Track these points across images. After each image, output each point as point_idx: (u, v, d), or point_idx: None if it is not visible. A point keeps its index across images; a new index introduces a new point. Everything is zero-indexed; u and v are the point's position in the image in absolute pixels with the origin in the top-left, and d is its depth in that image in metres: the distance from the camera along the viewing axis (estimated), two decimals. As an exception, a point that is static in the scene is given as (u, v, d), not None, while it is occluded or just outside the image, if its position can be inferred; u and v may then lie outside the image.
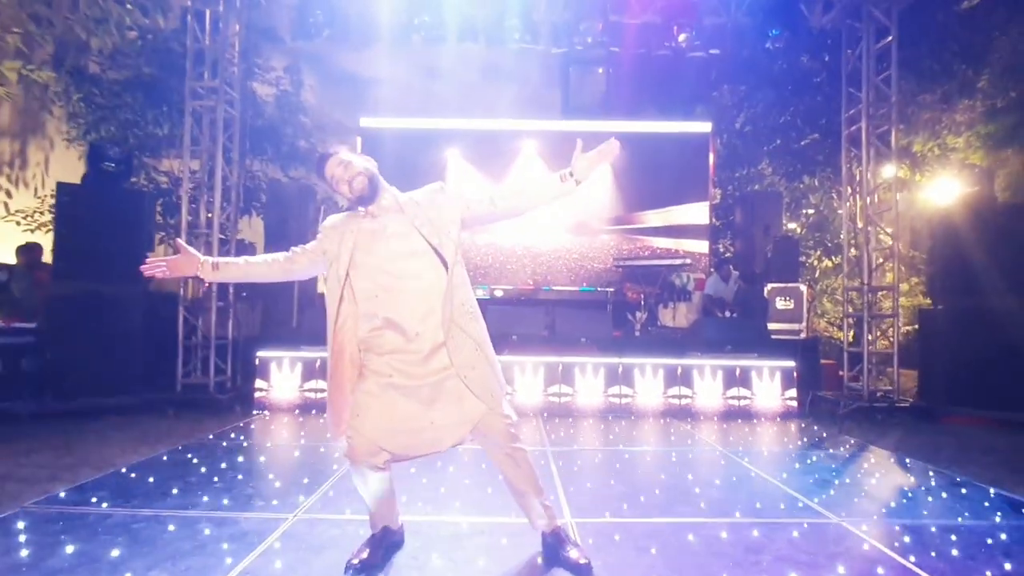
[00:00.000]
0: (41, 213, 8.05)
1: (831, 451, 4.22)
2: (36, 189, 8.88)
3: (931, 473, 3.63)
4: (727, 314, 7.06)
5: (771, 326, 6.72)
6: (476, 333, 1.93)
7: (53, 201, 6.68)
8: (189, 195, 5.91)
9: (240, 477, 3.22)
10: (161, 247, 9.07)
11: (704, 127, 9.84)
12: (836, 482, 3.38)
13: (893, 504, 3.03)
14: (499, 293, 8.49)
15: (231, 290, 5.98)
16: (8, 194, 8.51)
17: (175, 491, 2.92)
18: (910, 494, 3.21)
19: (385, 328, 1.87)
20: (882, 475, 3.59)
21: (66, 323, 5.11)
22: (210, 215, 5.89)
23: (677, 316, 7.53)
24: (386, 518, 2.13)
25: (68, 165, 9.08)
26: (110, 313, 5.22)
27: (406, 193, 1.99)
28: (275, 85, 10.10)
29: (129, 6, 6.23)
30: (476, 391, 1.89)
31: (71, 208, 5.20)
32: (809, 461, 3.89)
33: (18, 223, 7.91)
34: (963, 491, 3.24)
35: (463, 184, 9.25)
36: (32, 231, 7.92)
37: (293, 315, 7.45)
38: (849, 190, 6.42)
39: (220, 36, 5.90)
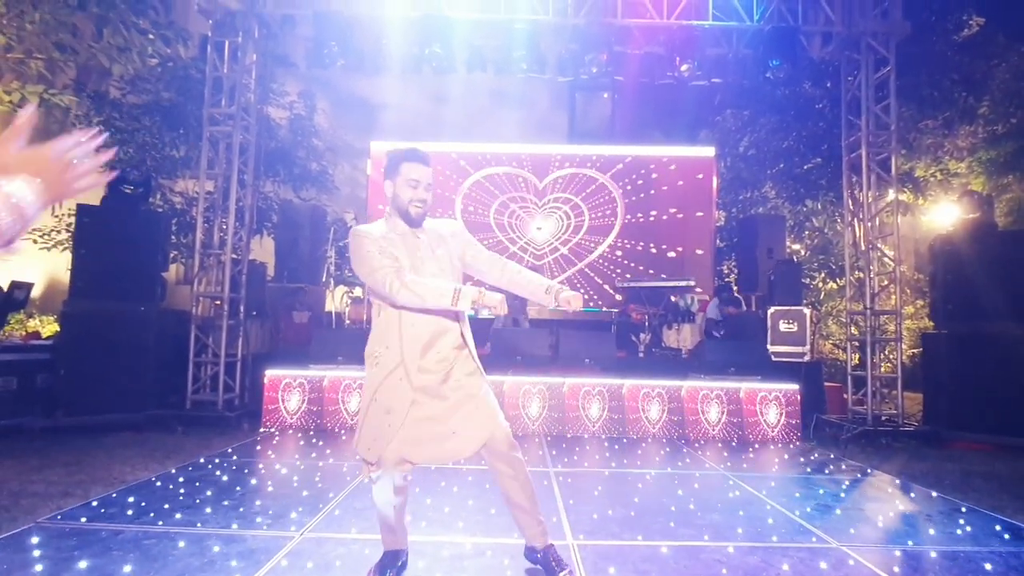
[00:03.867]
0: (58, 232, 8.26)
1: (834, 475, 4.22)
2: (54, 208, 9.11)
3: (934, 499, 3.63)
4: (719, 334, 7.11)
5: (775, 349, 6.74)
6: (475, 350, 2.14)
7: (71, 220, 6.86)
8: (204, 216, 6.07)
9: (247, 495, 3.28)
10: (174, 265, 9.26)
11: (708, 151, 10.02)
12: (838, 507, 3.39)
13: (894, 530, 3.04)
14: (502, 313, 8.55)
15: (242, 308, 6.10)
16: (27, 213, 8.73)
17: (184, 508, 2.98)
18: (912, 520, 3.21)
19: (419, 338, 2.01)
20: (884, 500, 3.59)
21: (81, 340, 5.23)
22: (223, 235, 6.04)
23: (681, 337, 7.57)
24: (398, 535, 2.19)
25: (86, 186, 9.33)
26: (124, 330, 5.34)
27: (432, 221, 2.17)
28: (289, 109, 10.39)
29: (151, 36, 6.49)
30: (485, 403, 2.06)
31: (90, 229, 5.37)
32: (811, 485, 3.90)
33: (35, 241, 8.10)
34: (965, 517, 3.24)
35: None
36: (48, 249, 8.11)
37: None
38: (851, 215, 6.50)
39: (238, 65, 6.13)
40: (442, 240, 2.13)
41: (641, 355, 7.14)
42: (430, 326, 2.01)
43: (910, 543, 2.82)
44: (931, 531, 3.01)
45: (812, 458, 4.82)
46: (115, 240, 5.39)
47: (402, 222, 2.07)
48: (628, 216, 9.74)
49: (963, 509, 3.42)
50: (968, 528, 3.06)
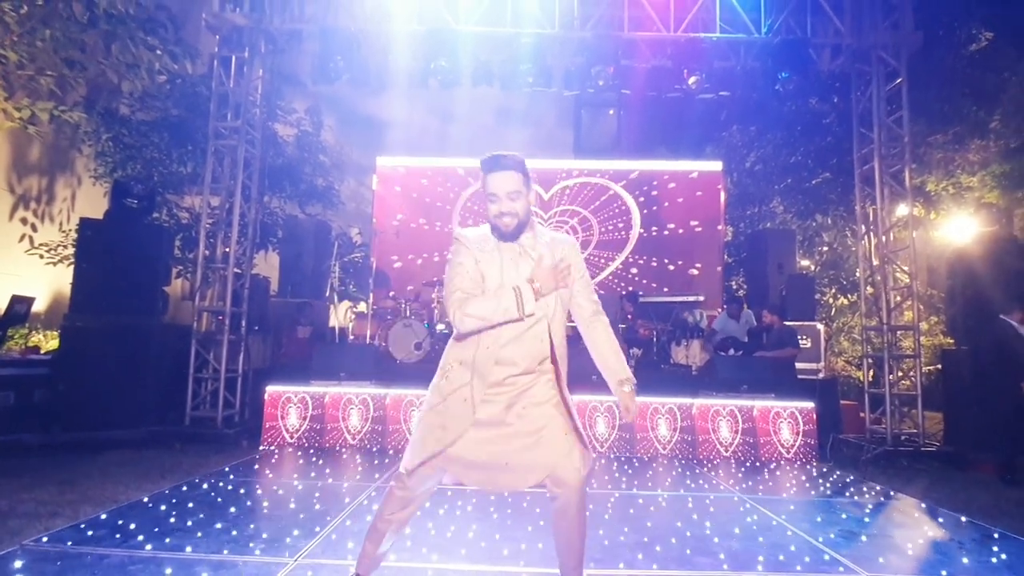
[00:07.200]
0: (64, 247, 8.26)
1: (856, 499, 4.02)
2: (61, 223, 9.15)
3: (964, 524, 3.44)
4: (733, 352, 6.87)
5: (788, 365, 6.56)
6: (563, 378, 1.94)
7: (76, 236, 6.87)
8: (208, 230, 6.03)
9: (241, 517, 3.14)
10: (178, 281, 9.24)
11: (715, 166, 9.94)
12: (863, 533, 3.21)
13: (925, 558, 2.85)
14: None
15: (244, 323, 6.01)
16: (33, 228, 8.76)
17: (175, 531, 2.84)
18: (943, 547, 3.03)
19: (500, 359, 1.85)
20: (912, 526, 3.41)
21: (81, 355, 5.15)
22: (227, 250, 5.99)
23: (690, 354, 7.39)
24: (381, 551, 2.00)
25: (94, 201, 9.37)
26: (124, 345, 5.26)
27: (547, 232, 1.98)
28: (296, 126, 10.45)
29: (159, 52, 6.54)
30: (551, 437, 1.86)
31: (92, 243, 5.33)
32: (833, 509, 3.71)
33: (41, 256, 8.10)
34: (999, 544, 3.05)
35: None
36: (55, 264, 8.10)
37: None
38: (863, 229, 6.36)
39: (244, 80, 6.14)
40: (548, 254, 1.89)
41: (631, 368, 6.80)
42: (513, 347, 1.84)
43: (943, 573, 2.64)
44: (965, 560, 2.82)
45: (831, 480, 4.62)
46: (117, 254, 5.35)
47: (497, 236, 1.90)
48: (642, 230, 9.60)
49: (996, 535, 3.22)
50: (1004, 556, 2.87)
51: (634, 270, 9.52)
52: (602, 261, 9.62)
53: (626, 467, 4.80)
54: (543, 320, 1.87)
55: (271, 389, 5.36)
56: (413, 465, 1.87)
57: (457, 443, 1.83)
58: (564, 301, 1.93)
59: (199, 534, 2.81)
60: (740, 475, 4.66)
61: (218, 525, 2.96)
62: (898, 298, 6.16)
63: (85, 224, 5.44)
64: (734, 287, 11.10)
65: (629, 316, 7.54)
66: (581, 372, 5.85)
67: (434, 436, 1.85)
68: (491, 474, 1.86)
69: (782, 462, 5.21)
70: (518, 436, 1.85)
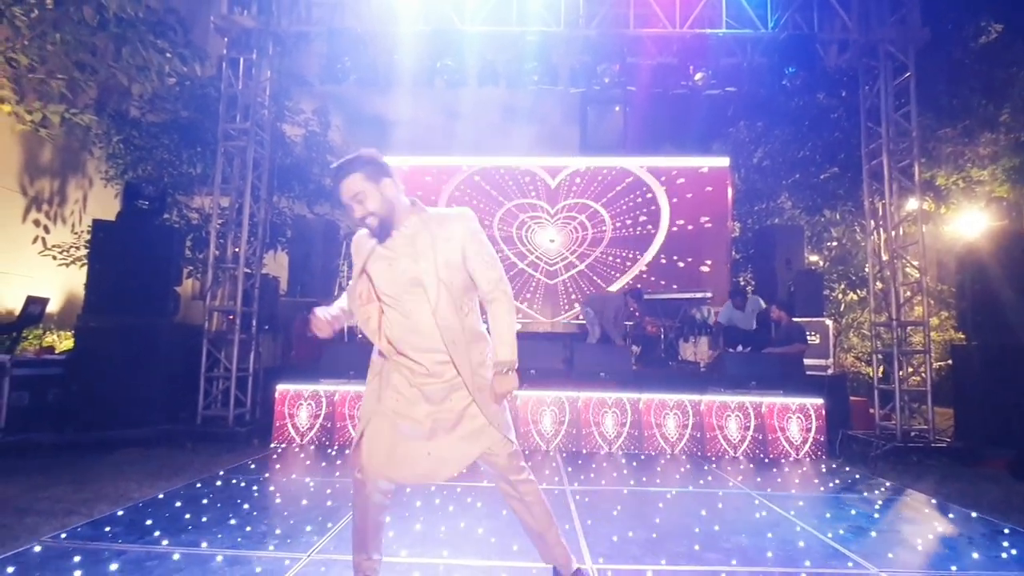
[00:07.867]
0: (76, 248, 8.36)
1: (866, 495, 4.01)
2: (73, 225, 9.26)
3: (974, 520, 3.43)
4: (741, 347, 6.84)
5: (797, 362, 6.53)
6: (476, 362, 1.91)
7: (89, 237, 6.95)
8: (218, 230, 6.09)
9: (255, 514, 3.18)
10: (189, 281, 9.32)
11: (722, 161, 9.90)
12: (873, 529, 3.20)
13: (935, 553, 2.85)
14: (516, 326, 8.44)
15: (254, 322, 6.07)
16: (46, 229, 8.87)
17: (189, 527, 2.90)
18: (953, 543, 3.02)
19: (404, 353, 1.89)
20: (922, 522, 3.40)
21: (94, 355, 5.22)
22: (236, 250, 6.05)
23: (698, 350, 7.39)
24: (369, 550, 2.03)
25: (105, 203, 9.47)
26: (137, 345, 5.33)
27: (437, 212, 1.92)
28: (304, 126, 10.51)
29: (169, 55, 6.60)
30: (473, 422, 1.89)
31: (104, 244, 5.40)
32: (843, 505, 3.71)
33: (54, 258, 8.21)
34: (1009, 540, 3.04)
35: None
36: (67, 265, 8.21)
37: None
38: (872, 224, 6.33)
39: (253, 81, 6.19)
40: (429, 237, 1.84)
41: (634, 367, 6.78)
42: (411, 339, 1.87)
43: (953, 568, 2.64)
44: (975, 555, 2.82)
45: (841, 476, 4.61)
46: (129, 255, 5.41)
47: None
48: (674, 226, 9.47)
49: (1006, 531, 3.21)
50: (1014, 551, 2.87)
51: (642, 268, 9.49)
52: (611, 259, 9.54)
53: (634, 464, 4.81)
54: (426, 310, 1.83)
55: (281, 388, 5.41)
56: (359, 432, 1.92)
57: (388, 437, 1.85)
58: (448, 285, 1.83)
59: (214, 530, 2.86)
60: (749, 471, 4.66)
61: (232, 521, 3.01)
62: (908, 293, 6.12)
63: (97, 225, 5.51)
64: (742, 283, 11.06)
65: (636, 313, 7.55)
66: (587, 371, 5.89)
67: (371, 409, 1.91)
68: (414, 467, 1.86)
69: (791, 458, 5.21)
70: (440, 423, 1.86)
